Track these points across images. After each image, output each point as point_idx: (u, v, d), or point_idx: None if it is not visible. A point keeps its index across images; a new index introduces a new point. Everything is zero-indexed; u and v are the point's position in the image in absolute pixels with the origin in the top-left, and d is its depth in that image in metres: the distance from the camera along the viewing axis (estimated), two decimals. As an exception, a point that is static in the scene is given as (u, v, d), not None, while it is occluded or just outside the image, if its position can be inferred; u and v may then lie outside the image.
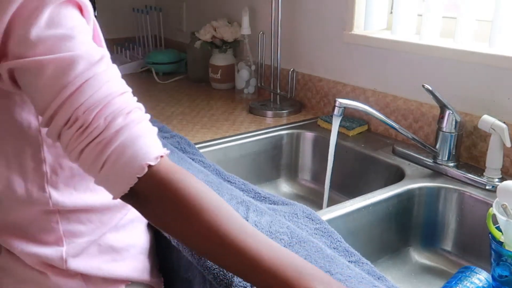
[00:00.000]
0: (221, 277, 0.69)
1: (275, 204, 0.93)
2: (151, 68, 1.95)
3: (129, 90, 0.61)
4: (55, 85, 0.56)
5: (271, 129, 1.38)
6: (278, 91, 1.55)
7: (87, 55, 0.57)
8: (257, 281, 0.56)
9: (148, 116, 0.61)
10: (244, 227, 0.58)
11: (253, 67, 1.65)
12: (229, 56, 1.78)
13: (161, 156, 0.59)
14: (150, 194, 0.58)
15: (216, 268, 0.70)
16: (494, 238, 0.81)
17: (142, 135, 0.58)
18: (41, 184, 0.70)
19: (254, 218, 0.80)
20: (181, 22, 2.13)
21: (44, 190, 0.71)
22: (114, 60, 2.11)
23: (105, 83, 0.57)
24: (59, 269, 0.73)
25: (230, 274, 0.68)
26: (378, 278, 0.75)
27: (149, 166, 0.57)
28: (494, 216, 0.80)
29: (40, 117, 0.66)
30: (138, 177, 0.57)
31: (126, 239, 0.80)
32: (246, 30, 1.64)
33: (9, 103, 0.65)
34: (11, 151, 0.68)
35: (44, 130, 0.67)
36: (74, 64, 0.56)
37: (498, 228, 0.81)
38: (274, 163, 1.37)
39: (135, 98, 0.61)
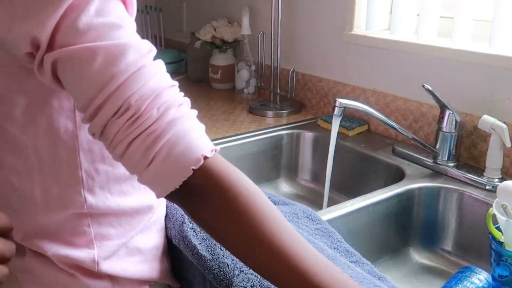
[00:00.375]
0: (221, 277, 0.69)
1: (275, 204, 0.93)
2: (151, 68, 1.95)
3: (177, 84, 0.58)
4: (104, 74, 0.53)
5: (271, 129, 1.38)
6: (278, 91, 1.55)
7: (136, 45, 0.55)
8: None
9: (195, 112, 0.59)
10: (297, 237, 0.55)
11: (253, 67, 1.65)
12: (229, 56, 1.78)
13: (215, 150, 0.57)
14: (204, 189, 0.55)
15: (217, 268, 0.70)
16: (494, 238, 0.81)
17: (195, 128, 0.56)
18: (76, 189, 0.70)
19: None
20: (181, 22, 2.13)
21: (80, 194, 0.70)
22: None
23: (155, 74, 0.55)
24: (89, 270, 0.73)
25: (231, 274, 0.68)
26: (379, 279, 0.75)
27: (205, 158, 0.54)
28: (494, 216, 0.80)
29: (77, 118, 0.64)
30: (193, 169, 0.53)
31: (151, 241, 0.80)
32: (246, 30, 1.64)
33: (46, 108, 0.63)
34: (46, 156, 0.67)
35: (81, 135, 0.66)
36: (125, 52, 0.54)
37: (498, 228, 0.81)
38: (274, 163, 1.37)
39: (182, 93, 0.59)
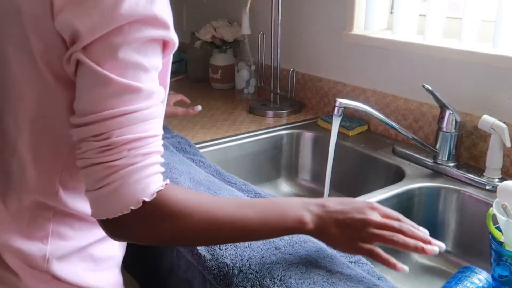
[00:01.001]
0: (221, 277, 0.69)
1: None
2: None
3: (161, 133, 0.64)
4: (108, 102, 0.59)
5: (271, 129, 1.38)
6: (278, 91, 1.55)
7: (148, 91, 0.61)
8: (256, 238, 0.69)
9: (160, 160, 0.64)
10: (226, 206, 0.66)
11: (253, 67, 1.65)
12: (229, 56, 1.78)
13: (164, 185, 0.62)
14: (154, 216, 0.62)
15: (216, 268, 0.70)
16: (494, 238, 0.81)
17: (147, 176, 0.61)
18: (52, 177, 0.71)
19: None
20: (181, 22, 2.13)
21: (54, 184, 0.71)
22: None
23: (148, 120, 0.62)
24: (35, 271, 0.73)
25: (230, 274, 0.69)
26: (378, 279, 0.75)
27: (144, 201, 0.60)
28: (494, 216, 0.80)
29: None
30: (132, 209, 0.60)
31: (108, 252, 0.80)
32: (246, 30, 1.64)
33: (58, 102, 0.67)
34: (38, 137, 0.69)
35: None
36: (135, 95, 0.60)
37: (498, 228, 0.81)
38: (274, 163, 1.37)
39: (161, 142, 0.65)
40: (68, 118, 0.64)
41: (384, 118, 1.09)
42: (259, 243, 0.73)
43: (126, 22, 0.58)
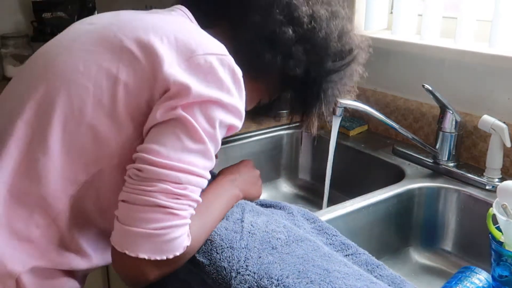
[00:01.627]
0: (219, 281, 0.69)
1: (269, 207, 0.93)
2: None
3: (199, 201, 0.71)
4: (194, 158, 0.68)
5: (271, 129, 1.38)
6: (278, 91, 1.55)
7: (212, 165, 0.71)
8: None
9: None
10: (213, 211, 0.78)
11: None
12: (229, 56, 1.77)
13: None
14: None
15: (214, 273, 0.70)
16: (494, 238, 0.80)
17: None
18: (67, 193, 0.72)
19: (250, 218, 0.80)
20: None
21: (62, 201, 0.72)
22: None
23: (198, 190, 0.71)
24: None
25: (228, 277, 0.69)
26: (377, 267, 0.75)
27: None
28: (494, 216, 0.80)
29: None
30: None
31: None
32: (246, 30, 1.63)
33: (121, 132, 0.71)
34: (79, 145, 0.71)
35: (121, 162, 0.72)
36: (209, 163, 0.70)
37: (498, 228, 0.81)
38: (274, 163, 1.37)
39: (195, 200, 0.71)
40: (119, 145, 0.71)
41: (384, 118, 1.09)
42: (256, 243, 0.73)
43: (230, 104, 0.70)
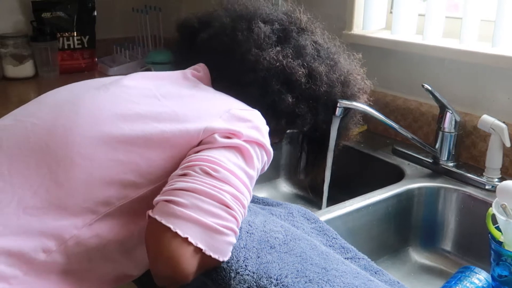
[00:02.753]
0: (219, 281, 0.69)
1: (269, 205, 0.93)
2: (151, 68, 1.95)
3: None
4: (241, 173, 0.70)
5: (271, 129, 1.37)
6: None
7: (246, 198, 0.70)
8: None
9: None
10: None
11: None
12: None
13: None
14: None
15: (214, 273, 0.69)
16: (493, 238, 0.80)
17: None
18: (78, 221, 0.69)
19: (248, 218, 0.80)
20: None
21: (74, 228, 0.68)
22: (113, 60, 2.07)
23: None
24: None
25: (227, 277, 0.69)
26: (376, 273, 0.74)
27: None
28: (493, 216, 0.80)
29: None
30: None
31: None
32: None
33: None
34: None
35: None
36: (246, 191, 0.70)
37: (498, 228, 0.81)
38: (274, 163, 1.35)
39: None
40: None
41: (384, 118, 1.09)
42: (254, 243, 0.73)
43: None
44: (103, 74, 1.98)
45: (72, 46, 1.97)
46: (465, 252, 1.03)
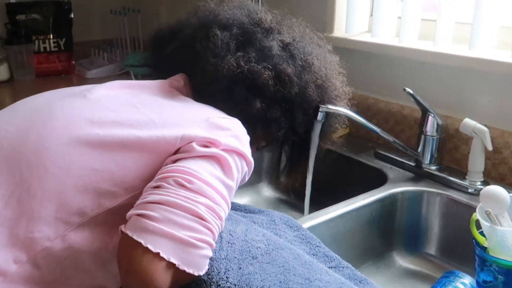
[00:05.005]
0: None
1: (251, 212, 0.91)
2: (130, 70, 1.92)
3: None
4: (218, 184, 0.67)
5: (252, 133, 1.36)
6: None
7: (228, 211, 0.69)
8: None
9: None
10: None
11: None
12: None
13: None
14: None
15: (194, 286, 0.67)
16: (478, 243, 0.80)
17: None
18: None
19: (229, 227, 0.77)
20: (160, 24, 2.09)
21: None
22: (91, 63, 2.03)
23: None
24: None
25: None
26: (360, 282, 0.73)
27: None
28: (477, 221, 0.79)
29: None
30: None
31: None
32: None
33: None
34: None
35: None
36: (223, 203, 0.67)
37: (482, 233, 0.80)
38: (255, 167, 1.33)
39: None
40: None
41: (366, 122, 1.07)
42: (236, 253, 0.71)
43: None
44: (81, 77, 1.94)
45: (48, 49, 1.92)
46: (449, 256, 1.02)
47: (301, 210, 1.20)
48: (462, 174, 1.05)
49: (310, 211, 1.02)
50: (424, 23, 1.20)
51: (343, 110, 1.02)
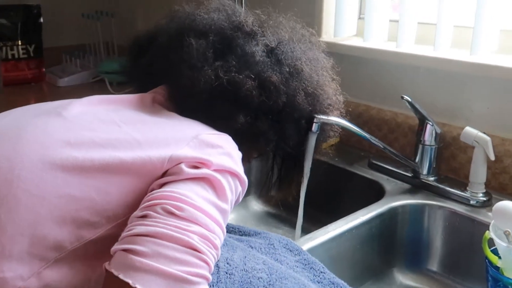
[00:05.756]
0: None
1: (247, 235, 0.84)
2: (104, 78, 1.83)
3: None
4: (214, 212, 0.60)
5: (239, 143, 1.29)
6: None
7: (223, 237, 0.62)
8: None
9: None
10: None
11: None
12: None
13: None
14: None
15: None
16: (491, 263, 0.75)
17: None
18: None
19: (225, 254, 0.71)
20: (135, 28, 2.01)
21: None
22: (63, 70, 1.92)
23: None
24: None
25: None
26: None
27: None
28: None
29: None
30: None
31: None
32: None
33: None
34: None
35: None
36: (217, 230, 0.60)
37: (493, 251, 0.76)
38: (243, 180, 1.28)
39: None
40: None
41: (361, 132, 1.02)
42: (235, 285, 0.65)
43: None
44: (52, 85, 1.84)
45: (16, 56, 1.81)
46: (451, 272, 0.98)
47: (292, 224, 1.14)
48: (463, 185, 1.00)
49: (304, 226, 0.96)
50: (420, 27, 1.15)
51: (341, 121, 0.96)
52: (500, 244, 0.72)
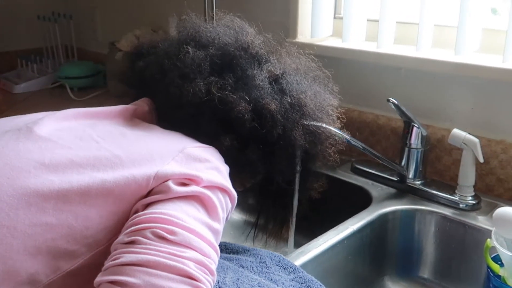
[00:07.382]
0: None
1: (235, 253, 0.79)
2: (64, 83, 1.73)
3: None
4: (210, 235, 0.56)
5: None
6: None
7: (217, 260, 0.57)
8: None
9: None
10: None
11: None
12: (155, 67, 1.60)
13: None
14: None
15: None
16: (493, 272, 0.73)
17: None
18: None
19: (217, 277, 0.65)
20: (96, 31, 1.91)
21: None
22: (18, 76, 1.80)
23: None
24: None
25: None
26: None
27: None
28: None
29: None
30: None
31: None
32: (174, 38, 1.47)
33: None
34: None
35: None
36: (212, 253, 0.56)
37: (494, 259, 0.73)
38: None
39: None
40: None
41: (348, 138, 0.97)
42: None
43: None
44: (7, 92, 1.73)
45: (-33, 62, 1.69)
46: (443, 278, 0.95)
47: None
48: (450, 188, 0.98)
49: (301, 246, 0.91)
50: (400, 27, 1.12)
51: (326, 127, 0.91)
52: (505, 253, 0.69)
